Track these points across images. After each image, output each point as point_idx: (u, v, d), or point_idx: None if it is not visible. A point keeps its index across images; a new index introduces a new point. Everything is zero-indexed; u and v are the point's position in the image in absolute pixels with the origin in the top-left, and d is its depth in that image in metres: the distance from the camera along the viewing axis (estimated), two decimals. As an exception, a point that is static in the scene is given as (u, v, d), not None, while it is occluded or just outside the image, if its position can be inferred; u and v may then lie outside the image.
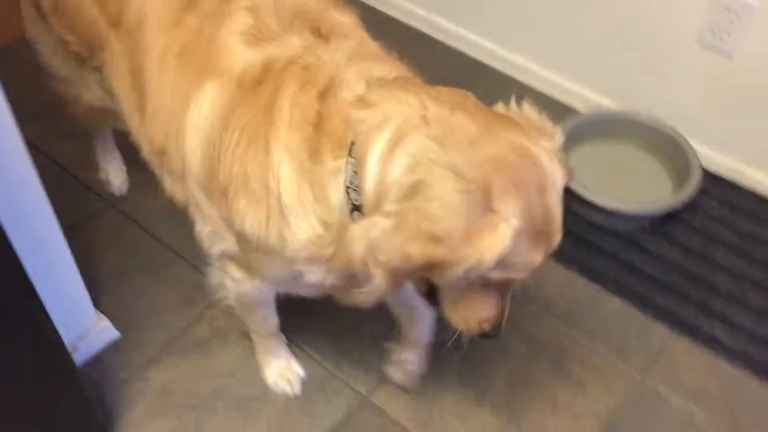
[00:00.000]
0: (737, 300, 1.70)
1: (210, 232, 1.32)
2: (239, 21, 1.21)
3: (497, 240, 0.95)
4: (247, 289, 1.40)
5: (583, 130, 2.01)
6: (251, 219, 1.16)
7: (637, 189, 1.95)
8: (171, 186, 1.39)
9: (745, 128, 1.95)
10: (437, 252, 0.96)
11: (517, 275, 1.03)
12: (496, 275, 1.01)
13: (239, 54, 1.18)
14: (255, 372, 1.63)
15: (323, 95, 1.09)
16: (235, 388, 1.61)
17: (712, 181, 1.97)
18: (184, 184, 1.32)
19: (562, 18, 2.13)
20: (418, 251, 0.95)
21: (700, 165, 1.91)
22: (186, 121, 1.22)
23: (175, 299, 1.74)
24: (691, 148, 1.94)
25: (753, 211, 1.95)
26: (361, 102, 1.05)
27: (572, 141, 1.97)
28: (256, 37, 1.19)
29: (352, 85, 1.08)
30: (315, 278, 1.20)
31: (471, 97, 1.07)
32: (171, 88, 1.26)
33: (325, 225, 1.11)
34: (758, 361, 1.64)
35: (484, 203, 0.95)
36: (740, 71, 1.88)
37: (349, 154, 1.04)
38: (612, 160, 2.03)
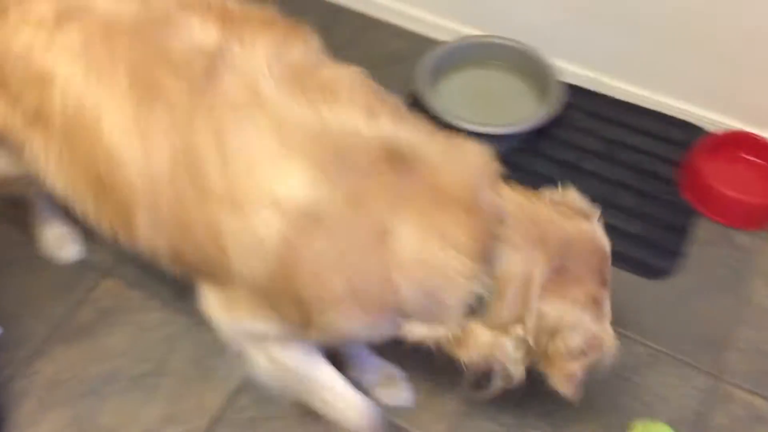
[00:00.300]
0: (609, 203, 1.77)
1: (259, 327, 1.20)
2: (255, 124, 1.04)
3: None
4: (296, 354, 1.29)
5: (447, 60, 2.03)
6: (350, 324, 1.13)
7: (505, 111, 1.98)
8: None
9: (600, 39, 2.00)
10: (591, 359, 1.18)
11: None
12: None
13: (292, 171, 1.03)
14: (148, 348, 1.58)
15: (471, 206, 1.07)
16: (127, 368, 1.56)
17: (577, 94, 2.02)
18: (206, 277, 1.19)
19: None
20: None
21: (560, 80, 1.95)
22: (234, 243, 1.07)
23: (52, 287, 1.66)
24: (551, 64, 1.98)
25: (617, 118, 2.02)
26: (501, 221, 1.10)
27: (439, 72, 2.00)
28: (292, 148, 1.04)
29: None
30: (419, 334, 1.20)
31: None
32: (170, 160, 1.07)
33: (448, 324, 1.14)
34: (631, 257, 1.74)
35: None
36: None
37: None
38: (479, 87, 2.05)
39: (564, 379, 1.15)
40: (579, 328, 1.12)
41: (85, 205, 1.20)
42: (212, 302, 1.21)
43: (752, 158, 1.87)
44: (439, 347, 1.17)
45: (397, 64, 2.08)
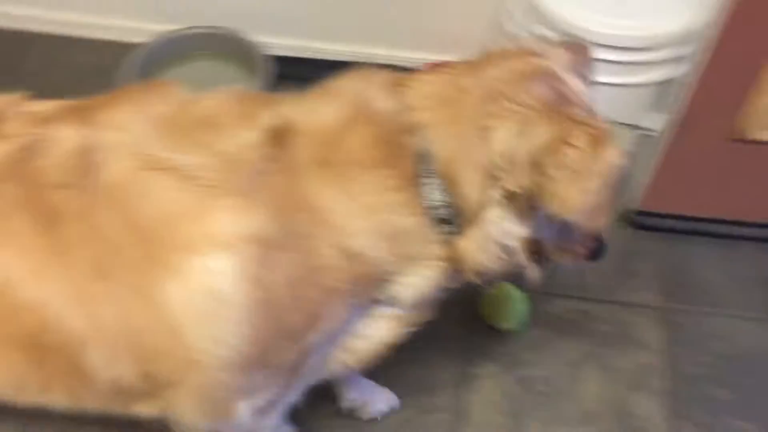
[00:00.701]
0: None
1: (248, 403, 1.09)
2: (158, 184, 0.96)
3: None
4: (271, 424, 1.21)
5: (150, 61, 1.99)
6: (341, 315, 1.06)
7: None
8: (149, 408, 1.10)
9: (295, 7, 2.07)
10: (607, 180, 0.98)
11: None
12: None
13: (219, 208, 0.95)
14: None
15: (388, 159, 1.00)
16: None
17: (286, 64, 2.03)
18: (182, 386, 1.04)
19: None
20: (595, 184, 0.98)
21: (266, 55, 2.00)
22: (182, 318, 0.95)
23: None
24: (254, 42, 2.02)
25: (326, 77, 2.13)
26: (410, 129, 1.01)
27: (145, 74, 1.94)
28: (207, 185, 0.96)
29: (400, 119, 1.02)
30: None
31: (476, 59, 1.08)
32: (121, 312, 0.97)
33: (437, 257, 1.07)
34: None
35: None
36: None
37: (425, 179, 1.01)
38: (189, 79, 1.98)
39: (577, 210, 0.99)
40: (558, 140, 0.97)
41: (20, 380, 1.04)
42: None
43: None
44: (443, 288, 1.13)
45: (102, 76, 2.02)
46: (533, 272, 1.12)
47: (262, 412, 1.13)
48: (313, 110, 1.04)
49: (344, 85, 1.07)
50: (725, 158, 1.65)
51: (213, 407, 1.07)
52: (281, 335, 1.01)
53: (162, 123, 1.01)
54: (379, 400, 1.57)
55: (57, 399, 1.06)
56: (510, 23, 1.71)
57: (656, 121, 1.69)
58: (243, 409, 1.07)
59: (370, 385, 1.57)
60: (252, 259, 0.95)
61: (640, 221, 1.84)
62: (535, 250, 1.13)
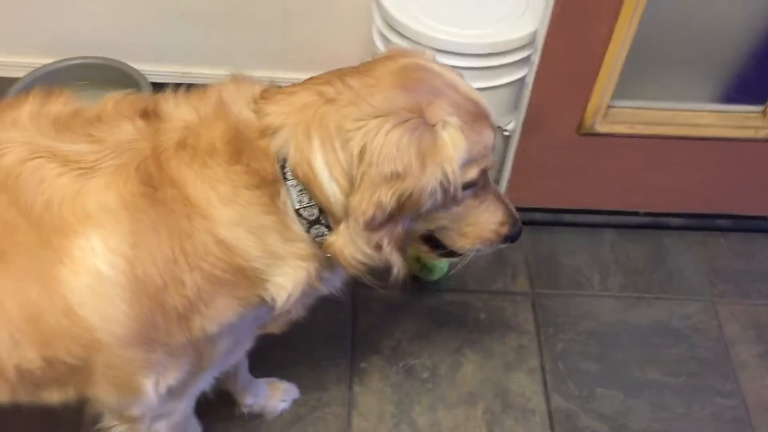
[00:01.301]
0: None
1: (154, 381, 1.12)
2: (45, 169, 1.01)
3: (450, 144, 1.03)
4: (183, 409, 1.28)
5: None
6: (234, 307, 1.09)
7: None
8: (60, 395, 1.14)
9: (173, 35, 2.15)
10: (406, 185, 1.01)
11: (485, 162, 1.11)
12: (471, 174, 1.09)
13: (90, 188, 1.00)
14: None
15: (236, 154, 1.03)
16: None
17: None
18: (90, 368, 1.08)
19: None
20: (386, 193, 1.01)
21: (150, 82, 2.08)
22: (73, 297, 1.00)
23: None
24: (137, 70, 2.09)
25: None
26: (265, 132, 1.05)
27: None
28: (80, 167, 1.02)
29: (254, 122, 1.06)
30: (301, 305, 1.18)
31: (342, 68, 1.11)
32: (16, 295, 1.00)
33: (304, 254, 1.10)
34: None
35: (420, 123, 1.02)
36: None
37: (285, 180, 1.05)
38: None
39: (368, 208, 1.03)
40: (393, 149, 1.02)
41: None
42: (126, 401, 1.15)
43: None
44: (316, 288, 1.16)
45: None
46: (399, 267, 1.12)
47: (173, 393, 1.17)
48: (186, 104, 1.11)
49: (215, 89, 1.12)
50: (576, 152, 1.82)
51: (120, 384, 1.12)
52: (162, 314, 1.05)
53: (55, 121, 1.07)
54: (276, 398, 1.65)
55: None
56: (378, 39, 1.84)
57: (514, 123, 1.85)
58: (149, 386, 1.12)
59: (263, 386, 1.64)
60: (121, 235, 1.00)
61: (508, 216, 2.00)
62: (428, 240, 1.23)
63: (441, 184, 1.04)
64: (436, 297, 1.88)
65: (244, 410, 1.62)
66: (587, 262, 1.98)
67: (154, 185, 1.02)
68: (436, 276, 1.88)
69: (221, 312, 1.09)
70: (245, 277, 1.09)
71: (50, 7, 2.09)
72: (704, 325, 1.88)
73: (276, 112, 1.07)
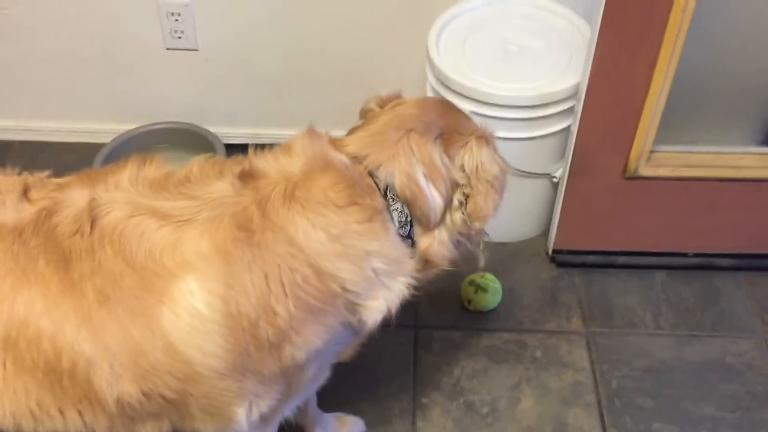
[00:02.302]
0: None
1: (247, 409, 1.23)
2: (145, 224, 1.15)
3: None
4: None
5: (117, 155, 2.18)
6: (321, 335, 1.19)
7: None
8: (154, 427, 1.25)
9: (240, 100, 2.37)
10: (506, 182, 1.38)
11: None
12: None
13: (186, 238, 1.13)
14: None
15: (350, 197, 1.20)
16: None
17: (239, 150, 2.33)
18: (185, 401, 1.19)
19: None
20: (499, 195, 1.35)
21: (224, 143, 2.28)
22: (174, 334, 1.12)
23: None
24: (212, 133, 2.29)
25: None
26: (367, 170, 1.25)
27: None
28: (177, 220, 1.15)
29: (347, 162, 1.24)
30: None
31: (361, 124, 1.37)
32: (120, 333, 1.13)
33: (405, 271, 1.26)
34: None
35: (481, 135, 1.35)
36: (207, 57, 2.27)
37: (391, 200, 1.25)
38: None
39: (489, 207, 1.32)
40: (490, 160, 1.32)
41: (39, 405, 1.19)
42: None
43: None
44: (416, 291, 1.29)
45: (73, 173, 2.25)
46: (484, 252, 1.43)
47: (265, 419, 1.28)
48: (277, 160, 1.26)
49: (297, 142, 1.27)
50: (622, 195, 1.92)
51: (215, 414, 1.22)
52: (255, 345, 1.15)
53: (151, 183, 1.22)
54: (344, 431, 1.74)
55: (71, 423, 1.21)
56: (431, 95, 1.99)
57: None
58: (242, 415, 1.22)
59: (332, 420, 1.74)
60: (216, 277, 1.12)
61: (559, 259, 2.10)
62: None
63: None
64: (492, 336, 1.97)
65: None
66: (639, 302, 2.05)
67: (252, 230, 1.15)
68: (489, 298, 1.99)
69: (310, 339, 1.20)
70: (337, 305, 1.20)
71: (132, 77, 2.33)
72: (757, 361, 1.92)
73: (365, 154, 1.27)
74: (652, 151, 1.84)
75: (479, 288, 1.99)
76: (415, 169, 1.26)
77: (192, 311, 1.12)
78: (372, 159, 1.26)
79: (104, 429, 1.23)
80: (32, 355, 1.14)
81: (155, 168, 1.26)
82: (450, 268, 1.37)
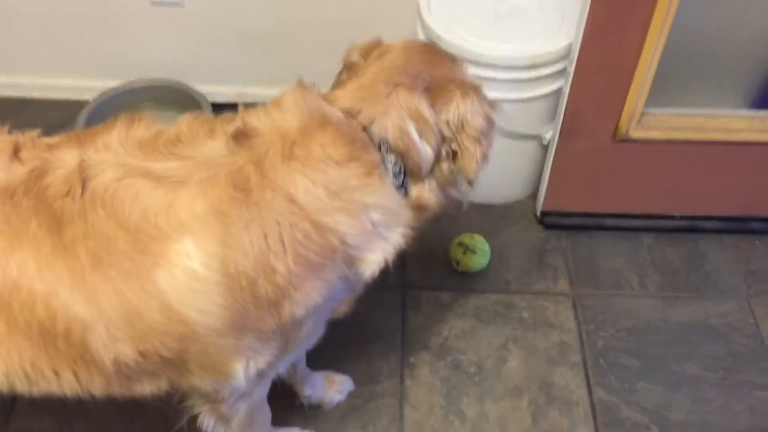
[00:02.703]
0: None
1: (244, 365, 1.24)
2: (138, 186, 1.14)
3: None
4: (261, 391, 1.41)
5: (99, 116, 2.16)
6: (320, 290, 1.20)
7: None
8: (152, 386, 1.26)
9: (227, 58, 2.34)
10: (494, 132, 1.37)
11: None
12: None
13: (181, 199, 1.13)
14: None
15: (349, 151, 1.19)
16: None
17: (225, 109, 2.30)
18: (183, 359, 1.20)
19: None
20: (488, 145, 1.36)
21: (210, 102, 2.25)
22: (169, 297, 1.12)
23: None
24: (199, 91, 2.27)
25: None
26: (362, 124, 1.25)
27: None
28: (170, 182, 1.14)
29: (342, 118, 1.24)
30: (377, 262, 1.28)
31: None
32: (115, 294, 1.12)
33: (402, 221, 1.28)
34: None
35: (468, 86, 1.34)
36: (194, 12, 2.23)
37: (385, 153, 1.25)
38: None
39: (477, 163, 1.33)
40: (474, 113, 1.31)
41: (33, 366, 1.19)
42: (218, 383, 1.27)
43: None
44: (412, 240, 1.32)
45: (58, 131, 2.21)
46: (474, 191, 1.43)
47: (261, 374, 1.29)
48: (270, 117, 1.24)
49: (289, 97, 1.25)
50: (612, 158, 1.92)
51: (213, 370, 1.23)
52: (254, 303, 1.16)
53: (141, 143, 1.20)
54: (333, 390, 1.76)
55: (66, 384, 1.21)
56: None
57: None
58: (239, 370, 1.23)
59: (320, 378, 1.75)
60: (212, 238, 1.11)
61: (548, 221, 2.10)
62: None
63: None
64: (480, 297, 1.99)
65: (303, 401, 1.74)
66: (625, 264, 2.07)
67: (249, 189, 1.14)
68: (478, 260, 2.00)
69: (309, 294, 1.20)
70: (336, 259, 1.21)
71: (117, 33, 2.28)
72: (740, 323, 1.95)
73: (358, 109, 1.27)
74: (642, 114, 1.84)
75: (468, 249, 2.00)
76: (407, 123, 1.27)
77: (189, 272, 1.12)
78: (365, 114, 1.27)
79: (100, 389, 1.24)
80: (25, 316, 1.13)
81: (144, 128, 1.24)
82: (441, 212, 1.40)
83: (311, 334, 1.34)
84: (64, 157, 1.19)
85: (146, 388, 1.26)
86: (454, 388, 1.81)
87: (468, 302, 1.97)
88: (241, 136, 1.20)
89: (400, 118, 1.27)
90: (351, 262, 1.24)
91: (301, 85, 1.28)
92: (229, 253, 1.13)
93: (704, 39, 1.80)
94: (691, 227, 2.12)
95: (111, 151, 1.19)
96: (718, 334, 1.93)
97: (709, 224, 2.11)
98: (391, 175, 1.27)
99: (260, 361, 1.25)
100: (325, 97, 1.29)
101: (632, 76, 1.74)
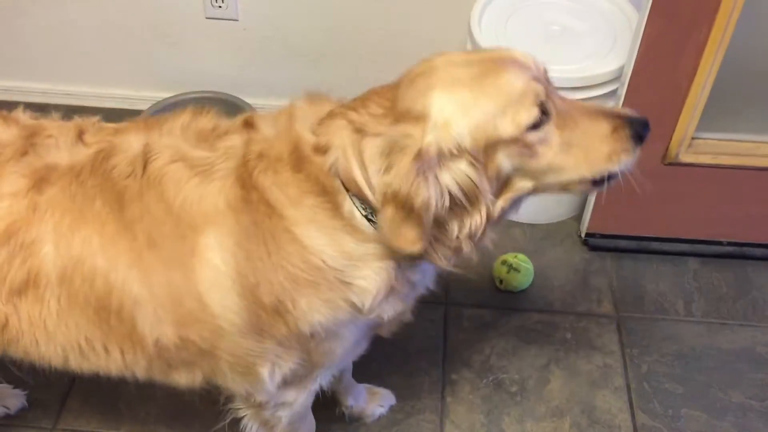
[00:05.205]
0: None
1: (270, 370, 1.27)
2: (181, 172, 1.18)
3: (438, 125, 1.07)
4: (302, 401, 1.40)
5: None
6: (319, 309, 1.18)
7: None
8: (188, 377, 1.31)
9: (277, 72, 2.38)
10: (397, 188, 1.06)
11: (527, 101, 1.09)
12: (517, 120, 1.08)
13: (209, 191, 1.17)
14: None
15: (298, 164, 1.15)
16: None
17: None
18: (214, 354, 1.24)
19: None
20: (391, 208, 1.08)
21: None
22: (201, 286, 1.17)
23: None
24: (246, 103, 2.30)
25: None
26: (320, 150, 1.14)
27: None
28: (202, 170, 1.18)
29: (309, 140, 1.16)
30: (393, 310, 1.24)
31: (373, 88, 1.19)
32: (163, 277, 1.18)
33: (380, 255, 1.16)
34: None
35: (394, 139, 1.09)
36: (246, 27, 2.27)
37: (346, 191, 1.14)
38: None
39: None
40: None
41: (87, 341, 1.24)
42: (246, 384, 1.29)
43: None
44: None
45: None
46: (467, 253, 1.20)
47: (288, 383, 1.31)
48: (266, 119, 1.25)
49: (291, 107, 1.25)
50: (661, 181, 1.91)
51: (242, 372, 1.26)
52: (262, 309, 1.18)
53: (198, 132, 1.25)
54: (375, 402, 1.77)
55: (113, 362, 1.27)
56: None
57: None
58: (265, 374, 1.26)
59: (363, 390, 1.76)
60: (230, 233, 1.15)
61: (592, 242, 2.09)
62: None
63: (449, 151, 1.07)
64: (523, 316, 1.98)
65: (345, 411, 1.75)
66: (671, 289, 2.05)
67: (247, 188, 1.17)
68: (521, 279, 2.00)
69: (308, 312, 1.19)
70: (325, 279, 1.17)
71: (171, 45, 2.33)
72: (789, 352, 1.93)
73: (325, 133, 1.16)
74: (693, 138, 1.83)
75: (511, 268, 2.00)
76: (353, 166, 1.13)
77: (213, 265, 1.17)
78: (322, 140, 1.15)
79: (142, 370, 1.29)
80: (85, 291, 1.19)
81: (208, 119, 1.29)
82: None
83: (339, 353, 1.31)
84: (131, 140, 1.25)
85: (183, 377, 1.31)
86: (495, 407, 1.80)
87: (510, 321, 1.97)
88: (247, 128, 1.23)
89: (347, 157, 1.14)
90: (344, 287, 1.18)
91: (309, 95, 1.26)
92: (240, 253, 1.16)
93: (757, 63, 1.78)
94: (739, 254, 2.09)
95: (173, 137, 1.24)
96: (765, 362, 1.90)
97: (757, 251, 2.08)
98: (358, 207, 1.16)
99: (284, 368, 1.27)
100: (327, 114, 1.20)
101: (684, 99, 1.74)
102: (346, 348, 1.33)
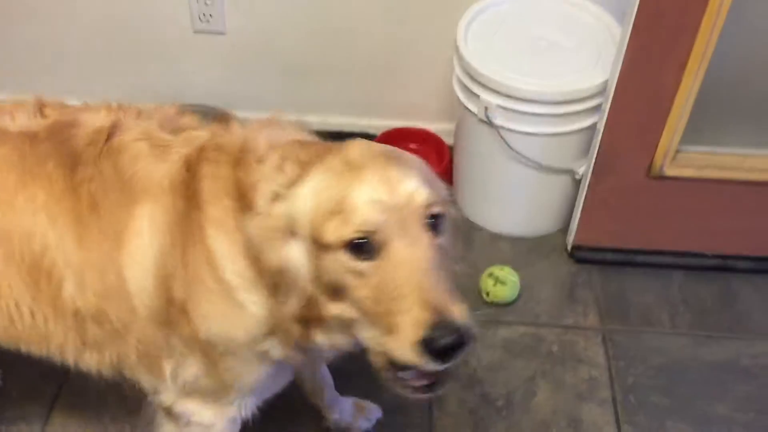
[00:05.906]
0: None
1: (173, 368, 1.25)
2: (142, 148, 1.20)
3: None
4: (221, 429, 1.33)
5: None
6: (216, 320, 1.16)
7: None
8: (98, 360, 1.30)
9: (265, 86, 2.37)
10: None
11: (357, 217, 1.00)
12: (332, 231, 1.01)
13: (158, 168, 1.19)
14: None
15: (237, 163, 1.15)
16: None
17: None
18: (125, 338, 1.24)
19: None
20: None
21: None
22: (124, 259, 1.17)
23: None
24: (235, 117, 2.32)
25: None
26: (259, 161, 1.13)
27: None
28: (161, 150, 1.20)
29: (260, 147, 1.14)
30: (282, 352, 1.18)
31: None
32: (96, 243, 1.19)
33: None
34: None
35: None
36: (234, 41, 2.28)
37: None
38: None
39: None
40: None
41: (17, 305, 1.25)
42: (151, 377, 1.28)
43: (414, 146, 2.33)
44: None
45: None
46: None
47: (195, 390, 1.27)
48: (240, 123, 1.27)
49: (275, 117, 1.28)
50: (645, 195, 1.93)
51: (147, 362, 1.26)
52: (171, 302, 1.18)
53: (173, 124, 1.28)
54: (361, 417, 1.76)
55: (35, 329, 1.27)
56: (458, 89, 2.00)
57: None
58: (168, 371, 1.25)
59: (349, 404, 1.76)
60: (164, 212, 1.17)
61: (579, 255, 2.10)
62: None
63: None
64: (509, 329, 1.98)
65: (331, 426, 1.74)
66: (656, 301, 2.06)
67: (192, 173, 1.18)
68: (507, 292, 2.00)
69: (205, 321, 1.17)
70: (223, 291, 1.14)
71: (159, 59, 2.34)
72: (773, 364, 1.94)
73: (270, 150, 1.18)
74: (677, 151, 1.85)
75: (498, 281, 2.00)
76: None
77: (140, 242, 1.18)
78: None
79: (57, 345, 1.29)
80: (22, 249, 1.20)
81: (190, 119, 1.32)
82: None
83: (249, 379, 1.25)
84: (99, 117, 1.27)
85: (93, 359, 1.30)
86: (482, 420, 1.80)
87: (497, 334, 1.97)
88: (220, 124, 1.26)
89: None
90: (239, 305, 1.15)
91: (269, 120, 1.27)
92: (165, 237, 1.17)
93: (740, 76, 1.81)
94: (724, 266, 2.11)
95: (149, 121, 1.27)
96: (749, 374, 1.91)
97: (741, 264, 2.10)
98: None
99: (188, 371, 1.25)
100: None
101: (668, 113, 1.75)
102: (255, 375, 1.26)
